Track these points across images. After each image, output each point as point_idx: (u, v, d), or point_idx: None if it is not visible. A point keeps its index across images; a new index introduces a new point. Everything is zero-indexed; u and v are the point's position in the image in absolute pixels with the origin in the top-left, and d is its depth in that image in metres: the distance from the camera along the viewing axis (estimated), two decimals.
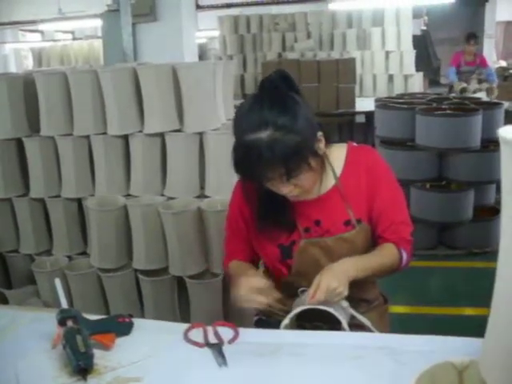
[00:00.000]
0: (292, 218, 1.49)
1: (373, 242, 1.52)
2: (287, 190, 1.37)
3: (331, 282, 1.32)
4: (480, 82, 6.29)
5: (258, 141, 1.27)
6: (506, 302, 0.88)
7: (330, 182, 1.49)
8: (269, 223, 1.49)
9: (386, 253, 1.46)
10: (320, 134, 1.40)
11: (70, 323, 1.29)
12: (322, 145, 1.40)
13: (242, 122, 1.33)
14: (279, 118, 1.28)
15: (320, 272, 1.36)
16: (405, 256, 1.47)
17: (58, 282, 1.46)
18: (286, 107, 1.31)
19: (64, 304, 1.38)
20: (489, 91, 5.69)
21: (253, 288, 1.38)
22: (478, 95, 5.50)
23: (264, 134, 1.27)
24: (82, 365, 1.19)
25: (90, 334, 1.28)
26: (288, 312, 1.44)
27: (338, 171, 1.50)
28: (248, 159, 1.30)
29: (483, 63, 6.75)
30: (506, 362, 0.88)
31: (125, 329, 1.39)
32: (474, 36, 6.71)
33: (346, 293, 1.34)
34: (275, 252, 1.51)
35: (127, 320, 1.40)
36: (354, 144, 1.55)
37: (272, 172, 1.31)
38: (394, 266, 1.47)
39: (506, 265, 0.89)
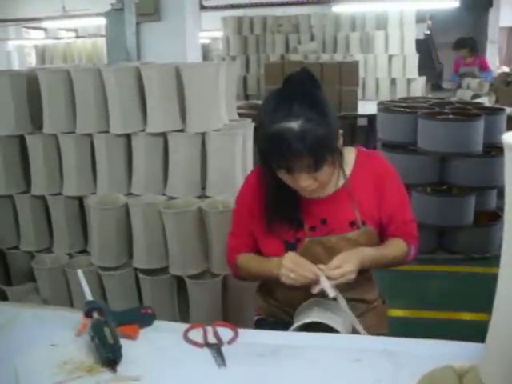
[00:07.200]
0: (300, 215, 1.50)
1: (378, 244, 1.54)
2: (307, 183, 1.38)
3: (345, 264, 1.35)
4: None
5: (290, 130, 1.29)
6: (507, 307, 0.89)
7: (339, 182, 1.51)
8: (278, 218, 1.49)
9: (395, 246, 1.52)
10: (341, 131, 1.43)
11: (95, 315, 1.31)
12: (341, 141, 1.44)
13: (272, 113, 1.34)
14: (310, 110, 1.32)
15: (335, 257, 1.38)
16: (412, 250, 1.55)
17: (80, 274, 1.46)
18: (315, 101, 1.35)
19: (88, 296, 1.39)
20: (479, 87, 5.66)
21: (299, 263, 1.38)
22: (479, 100, 5.47)
23: (295, 125, 1.29)
24: (111, 356, 1.21)
25: (116, 326, 1.30)
26: (289, 313, 1.43)
27: (347, 173, 1.52)
28: (278, 148, 1.31)
29: (483, 65, 6.68)
30: (506, 367, 0.88)
31: (148, 320, 1.41)
32: (460, 43, 6.61)
33: (353, 276, 1.36)
34: (280, 248, 1.50)
35: (149, 311, 1.42)
36: (363, 149, 1.57)
37: (300, 162, 1.32)
38: (402, 257, 1.53)
39: (507, 270, 0.89)
